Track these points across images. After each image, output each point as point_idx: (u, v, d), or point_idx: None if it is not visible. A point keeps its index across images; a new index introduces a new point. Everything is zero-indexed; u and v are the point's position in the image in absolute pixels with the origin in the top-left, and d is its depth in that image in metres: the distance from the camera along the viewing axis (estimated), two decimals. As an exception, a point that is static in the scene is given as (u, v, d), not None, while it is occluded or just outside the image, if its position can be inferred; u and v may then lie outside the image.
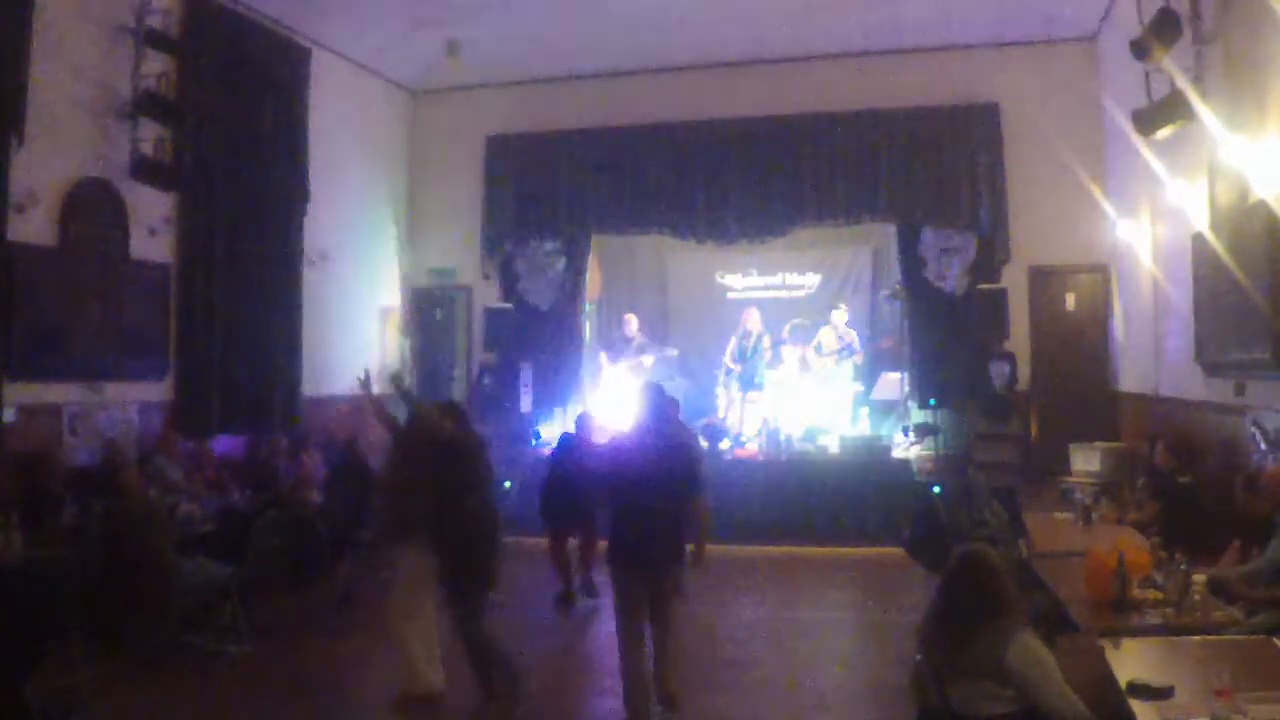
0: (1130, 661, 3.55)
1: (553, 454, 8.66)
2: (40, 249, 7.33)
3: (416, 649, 5.48)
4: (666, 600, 5.36)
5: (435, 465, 5.45)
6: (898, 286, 11.70)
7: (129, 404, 8.24)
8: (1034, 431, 10.87)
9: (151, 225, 8.46)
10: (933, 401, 10.98)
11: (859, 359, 11.87)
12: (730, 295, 13.44)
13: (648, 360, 12.09)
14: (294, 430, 9.71)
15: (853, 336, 11.84)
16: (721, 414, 11.84)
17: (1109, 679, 3.42)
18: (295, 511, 7.72)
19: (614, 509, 5.38)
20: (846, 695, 5.91)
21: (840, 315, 11.88)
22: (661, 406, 5.55)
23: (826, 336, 11.87)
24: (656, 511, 5.18)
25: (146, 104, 8.13)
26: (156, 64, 8.29)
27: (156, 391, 8.58)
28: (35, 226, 7.27)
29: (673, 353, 12.82)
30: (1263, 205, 5.83)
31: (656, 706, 5.33)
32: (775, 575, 8.91)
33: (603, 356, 12.28)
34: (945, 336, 11.07)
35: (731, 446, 11.06)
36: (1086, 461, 9.30)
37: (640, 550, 5.21)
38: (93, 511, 6.34)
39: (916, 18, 10.35)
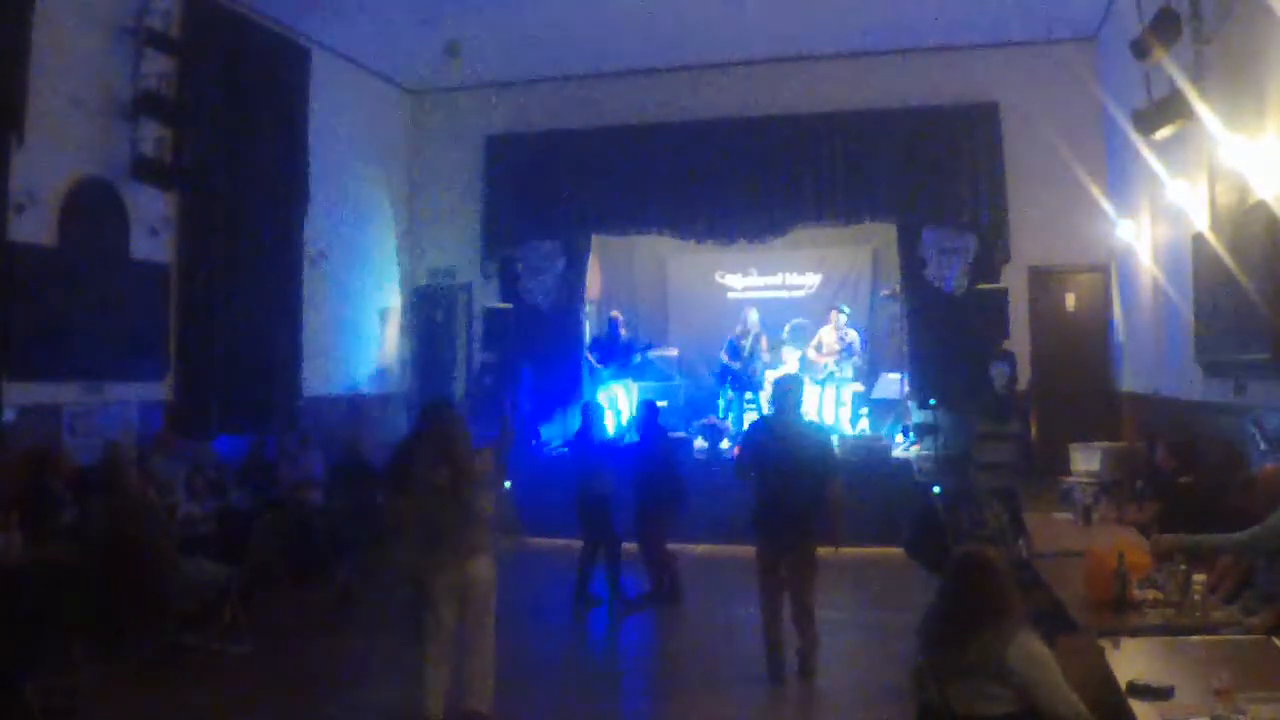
0: (1130, 661, 3.54)
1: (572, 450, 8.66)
2: (40, 249, 7.33)
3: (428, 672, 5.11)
4: (804, 576, 6.01)
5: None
6: (897, 286, 11.70)
7: (129, 404, 8.24)
8: (1034, 431, 10.87)
9: (151, 225, 8.47)
10: (933, 401, 10.97)
11: (859, 359, 11.88)
12: (730, 295, 13.44)
13: (635, 359, 12.08)
14: (293, 430, 9.71)
15: (853, 336, 11.84)
16: (721, 414, 11.84)
17: (1109, 679, 3.42)
18: (295, 511, 7.73)
19: (757, 490, 6.06)
20: (846, 695, 5.91)
21: (840, 317, 11.87)
22: (787, 398, 6.20)
23: (826, 336, 11.87)
24: (794, 493, 5.86)
25: (146, 104, 8.13)
26: (156, 64, 8.29)
27: (156, 391, 8.58)
28: (35, 226, 7.28)
29: (672, 352, 12.82)
30: (1263, 205, 5.83)
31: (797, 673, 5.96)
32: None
33: (590, 357, 12.27)
34: (945, 336, 11.06)
35: (731, 446, 11.05)
36: (1086, 461, 9.28)
37: (781, 527, 5.92)
38: (93, 511, 6.33)
39: (916, 18, 10.34)
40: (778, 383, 6.46)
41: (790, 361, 11.90)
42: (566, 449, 8.87)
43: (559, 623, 7.69)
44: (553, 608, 7.94)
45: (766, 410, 6.48)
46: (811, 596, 6.06)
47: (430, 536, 4.99)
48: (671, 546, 8.14)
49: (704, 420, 11.52)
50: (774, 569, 6.03)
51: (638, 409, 8.16)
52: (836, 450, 6.54)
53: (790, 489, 5.88)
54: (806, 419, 6.63)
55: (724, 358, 11.84)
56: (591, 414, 8.57)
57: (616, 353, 12.14)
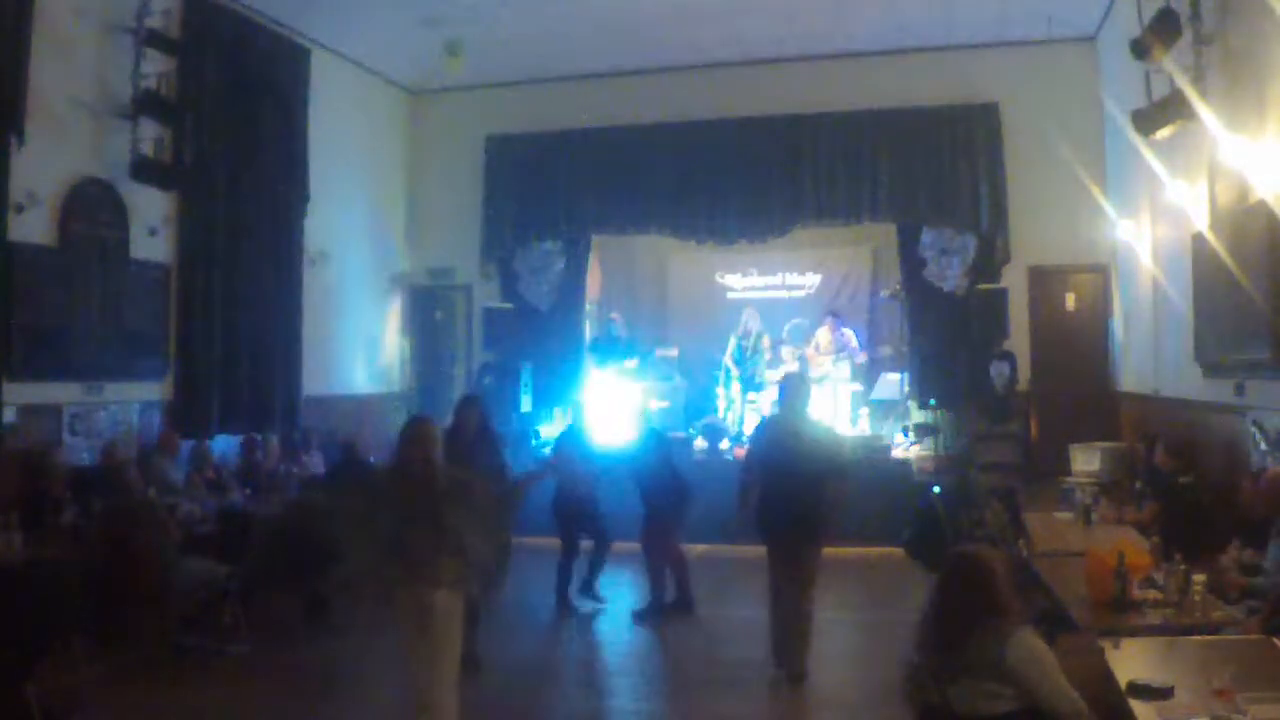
0: (1130, 661, 3.54)
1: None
2: (40, 249, 7.34)
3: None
4: (801, 577, 5.81)
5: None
6: (897, 287, 11.70)
7: (129, 404, 8.24)
8: (1034, 431, 10.87)
9: (151, 225, 8.48)
10: (933, 401, 10.97)
11: (863, 358, 11.89)
12: (730, 295, 13.44)
13: (632, 363, 12.06)
14: (294, 430, 9.71)
15: (850, 336, 11.85)
16: (721, 414, 11.84)
17: (1109, 679, 3.41)
18: (295, 511, 7.71)
19: (762, 488, 5.91)
20: (847, 695, 5.90)
21: (834, 319, 11.91)
22: (796, 396, 6.05)
23: (824, 336, 11.89)
24: (799, 494, 5.70)
25: (146, 104, 8.13)
26: (156, 64, 8.29)
27: (156, 391, 8.59)
28: (35, 226, 7.28)
29: (672, 352, 12.81)
30: (1263, 205, 5.83)
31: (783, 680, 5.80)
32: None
33: (589, 358, 12.26)
34: (945, 336, 11.06)
35: (731, 446, 11.05)
36: (1086, 461, 9.29)
37: (784, 527, 5.78)
38: (93, 511, 6.34)
39: (916, 18, 10.35)
40: (785, 381, 6.34)
41: (790, 361, 11.91)
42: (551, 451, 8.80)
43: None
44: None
45: (773, 409, 6.33)
46: (809, 601, 5.84)
47: (392, 555, 4.43)
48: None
49: (704, 420, 11.52)
50: (779, 566, 5.91)
51: (644, 437, 8.03)
52: (845, 451, 6.46)
53: (796, 489, 5.71)
54: (814, 418, 6.44)
55: (728, 362, 11.85)
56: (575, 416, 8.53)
57: (616, 353, 12.13)
